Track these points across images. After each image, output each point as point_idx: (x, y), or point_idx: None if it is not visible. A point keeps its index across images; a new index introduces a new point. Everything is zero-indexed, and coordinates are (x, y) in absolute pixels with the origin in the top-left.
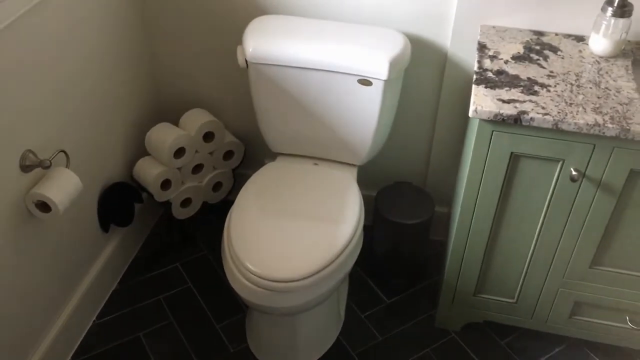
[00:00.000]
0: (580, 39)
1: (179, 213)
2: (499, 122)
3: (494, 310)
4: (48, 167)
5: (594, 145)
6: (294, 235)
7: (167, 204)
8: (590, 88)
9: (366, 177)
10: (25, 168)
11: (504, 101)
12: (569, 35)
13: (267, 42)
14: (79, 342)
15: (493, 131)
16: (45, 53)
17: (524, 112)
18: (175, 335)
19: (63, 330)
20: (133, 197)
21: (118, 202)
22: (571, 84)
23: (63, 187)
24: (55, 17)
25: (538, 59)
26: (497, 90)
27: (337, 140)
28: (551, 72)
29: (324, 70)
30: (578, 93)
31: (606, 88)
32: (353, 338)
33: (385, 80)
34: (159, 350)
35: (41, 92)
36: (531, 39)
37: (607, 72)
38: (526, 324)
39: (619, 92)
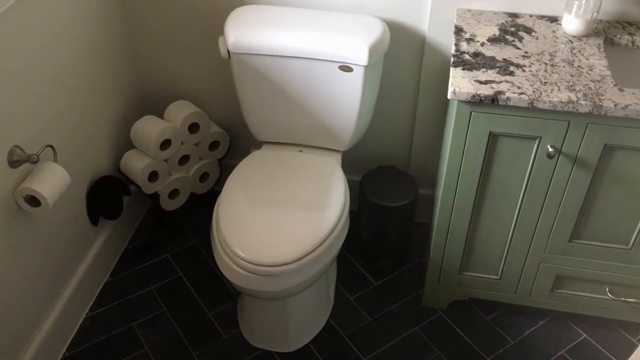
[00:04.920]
0: (554, 19)
1: (167, 204)
2: (476, 102)
3: (478, 287)
4: (36, 162)
5: (569, 122)
6: (281, 221)
7: (155, 196)
8: (564, 67)
9: (350, 162)
10: (13, 163)
11: (481, 82)
12: (542, 16)
13: (248, 32)
14: (72, 335)
15: (471, 112)
16: (29, 49)
17: (500, 92)
18: (169, 324)
19: (56, 324)
20: (121, 190)
21: (106, 195)
22: (545, 64)
23: (51, 181)
24: (37, 13)
25: (513, 40)
26: (474, 72)
27: (320, 126)
28: (526, 52)
29: (305, 58)
30: (552, 72)
31: (579, 66)
32: (343, 320)
33: (365, 66)
34: (152, 339)
35: (27, 89)
36: (506, 21)
37: (579, 51)
38: (510, 300)
39: (591, 69)
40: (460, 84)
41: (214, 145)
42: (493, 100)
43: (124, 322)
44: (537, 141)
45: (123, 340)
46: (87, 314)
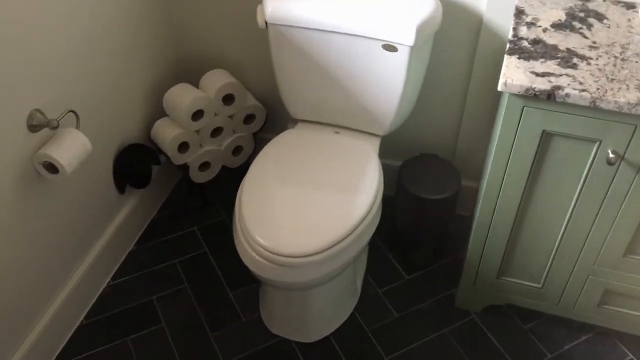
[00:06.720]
0: (631, 6)
1: (197, 177)
2: (530, 97)
3: (517, 294)
4: (55, 128)
5: (635, 127)
6: (308, 207)
7: (185, 167)
8: (637, 62)
9: (391, 146)
10: (32, 128)
11: (537, 74)
12: (617, 2)
13: (287, 2)
14: (92, 302)
15: (524, 107)
16: (58, 5)
17: (558, 88)
18: (188, 300)
19: (76, 289)
20: (150, 159)
21: (135, 163)
22: (615, 57)
23: (71, 148)
24: None
25: (581, 28)
26: (531, 62)
27: (359, 108)
28: (594, 42)
29: (346, 34)
30: (622, 68)
31: None
32: (368, 314)
33: (411, 47)
34: (170, 315)
35: (52, 49)
36: (575, 5)
37: None
38: (552, 310)
39: None
40: (514, 74)
41: (249, 119)
42: (549, 96)
43: (144, 294)
44: (596, 144)
45: (141, 313)
46: (108, 282)
